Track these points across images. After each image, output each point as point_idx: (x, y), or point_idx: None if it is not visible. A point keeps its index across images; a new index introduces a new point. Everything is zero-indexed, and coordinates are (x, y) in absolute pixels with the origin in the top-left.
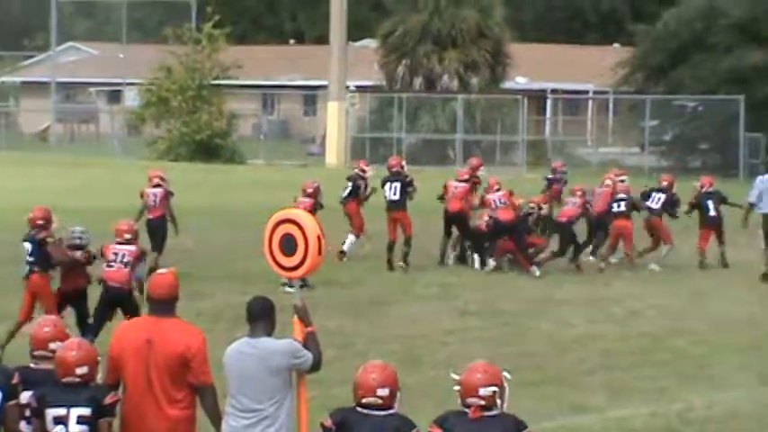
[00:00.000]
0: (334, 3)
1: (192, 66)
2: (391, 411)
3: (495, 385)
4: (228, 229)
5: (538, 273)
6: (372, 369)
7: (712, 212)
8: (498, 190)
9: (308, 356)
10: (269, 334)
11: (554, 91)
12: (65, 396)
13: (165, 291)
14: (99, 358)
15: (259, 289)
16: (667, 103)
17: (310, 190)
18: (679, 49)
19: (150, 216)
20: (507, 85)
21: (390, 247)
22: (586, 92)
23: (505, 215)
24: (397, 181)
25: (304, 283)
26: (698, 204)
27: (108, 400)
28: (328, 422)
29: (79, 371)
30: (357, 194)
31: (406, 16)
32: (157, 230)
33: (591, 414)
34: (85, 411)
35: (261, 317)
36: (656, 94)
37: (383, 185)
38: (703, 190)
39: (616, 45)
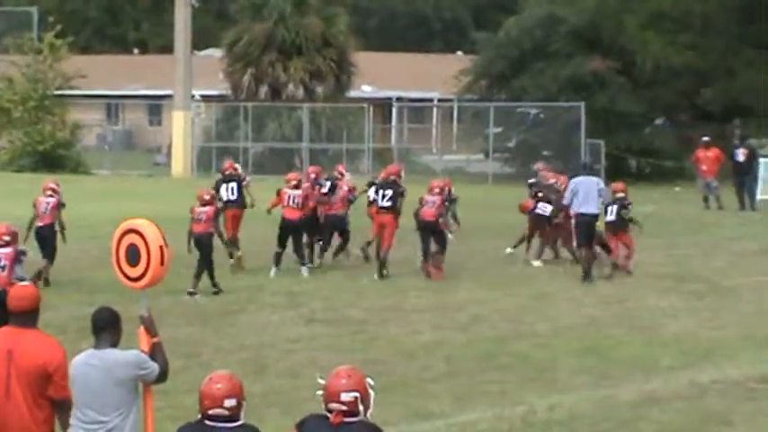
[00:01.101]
0: (178, 12)
1: (33, 76)
2: (239, 423)
3: (358, 391)
4: (74, 239)
5: (306, 273)
6: (218, 380)
7: (609, 217)
8: (296, 187)
9: (154, 367)
10: (114, 345)
11: (399, 99)
12: None
13: (26, 303)
14: None
15: (105, 299)
16: (510, 110)
17: (207, 197)
18: (521, 57)
19: (40, 224)
20: (353, 93)
21: (228, 243)
22: (431, 100)
23: (291, 214)
24: (232, 181)
25: (217, 290)
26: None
27: None
28: None
29: None
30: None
31: (250, 25)
32: (46, 238)
33: (436, 420)
34: None
35: (106, 328)
36: (500, 101)
37: (218, 188)
38: (617, 195)
39: (459, 53)
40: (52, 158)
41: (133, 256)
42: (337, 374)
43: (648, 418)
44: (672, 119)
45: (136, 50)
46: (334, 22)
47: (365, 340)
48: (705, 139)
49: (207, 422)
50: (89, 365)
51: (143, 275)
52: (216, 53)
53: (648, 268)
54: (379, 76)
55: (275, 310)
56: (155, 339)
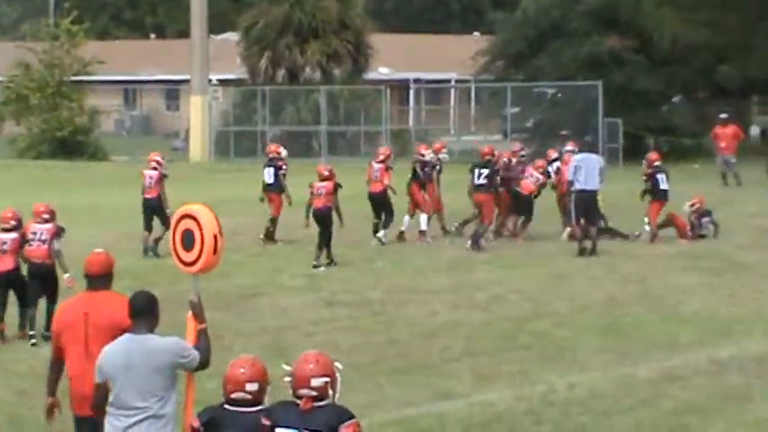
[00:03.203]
0: None
1: (50, 62)
2: (261, 407)
3: (327, 375)
4: (93, 226)
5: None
6: (242, 364)
7: (663, 186)
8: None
9: (195, 355)
10: (152, 330)
11: (417, 80)
12: None
13: (96, 268)
14: None
15: (124, 285)
16: (528, 90)
17: (326, 173)
18: (538, 37)
19: (146, 196)
20: (370, 75)
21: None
22: (448, 81)
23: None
24: (271, 166)
25: (330, 261)
26: (651, 177)
27: None
28: (196, 423)
29: None
30: (417, 178)
31: (267, 8)
32: (153, 209)
33: (456, 399)
34: None
35: (143, 312)
36: (517, 81)
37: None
38: (655, 164)
39: (476, 34)
40: (71, 145)
41: (188, 240)
42: (305, 360)
43: (668, 395)
44: (690, 96)
45: (153, 35)
46: (351, 4)
47: (385, 321)
48: (723, 116)
49: (227, 406)
50: (128, 351)
51: (196, 261)
52: (233, 37)
53: (667, 246)
54: (397, 57)
55: (295, 293)
56: (201, 326)
